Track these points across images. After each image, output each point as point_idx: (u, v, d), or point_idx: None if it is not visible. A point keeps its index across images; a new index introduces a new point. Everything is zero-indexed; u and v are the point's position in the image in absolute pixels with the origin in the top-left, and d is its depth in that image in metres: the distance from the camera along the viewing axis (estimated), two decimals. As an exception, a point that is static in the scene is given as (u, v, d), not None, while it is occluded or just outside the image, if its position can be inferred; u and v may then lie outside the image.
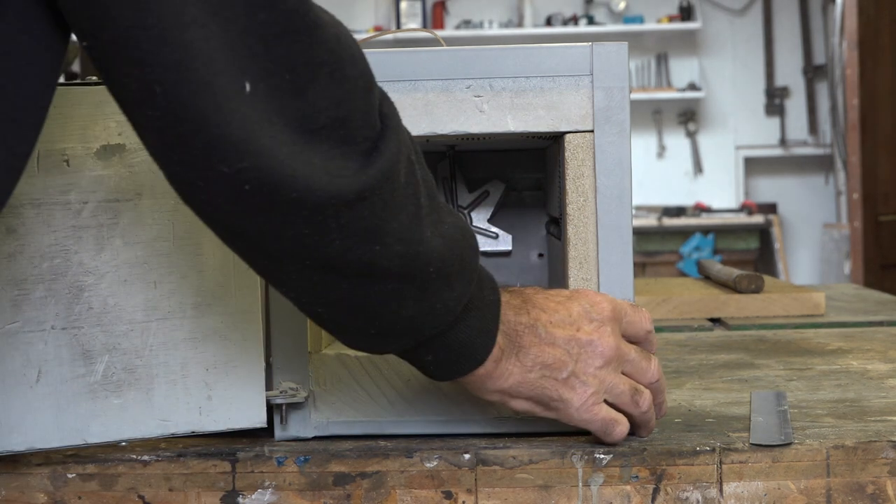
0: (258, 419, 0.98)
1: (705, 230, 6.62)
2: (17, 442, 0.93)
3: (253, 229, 0.77)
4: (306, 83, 0.74)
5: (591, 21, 7.21)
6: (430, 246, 0.81)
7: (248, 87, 0.72)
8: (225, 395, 0.98)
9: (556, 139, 1.07)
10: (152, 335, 0.96)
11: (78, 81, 0.95)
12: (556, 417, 0.93)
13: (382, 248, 0.78)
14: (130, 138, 0.94)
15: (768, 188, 7.36)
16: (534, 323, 0.90)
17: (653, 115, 7.32)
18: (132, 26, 0.69)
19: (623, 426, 0.93)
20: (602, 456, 0.94)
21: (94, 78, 0.91)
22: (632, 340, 0.95)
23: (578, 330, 0.91)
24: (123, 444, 0.97)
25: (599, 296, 0.93)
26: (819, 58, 7.15)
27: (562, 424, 0.99)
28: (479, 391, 0.91)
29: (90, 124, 0.94)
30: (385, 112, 0.80)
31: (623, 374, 0.93)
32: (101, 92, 0.91)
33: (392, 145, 0.78)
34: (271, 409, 0.99)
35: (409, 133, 0.84)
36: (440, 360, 0.88)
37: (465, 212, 1.35)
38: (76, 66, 5.21)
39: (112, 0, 0.69)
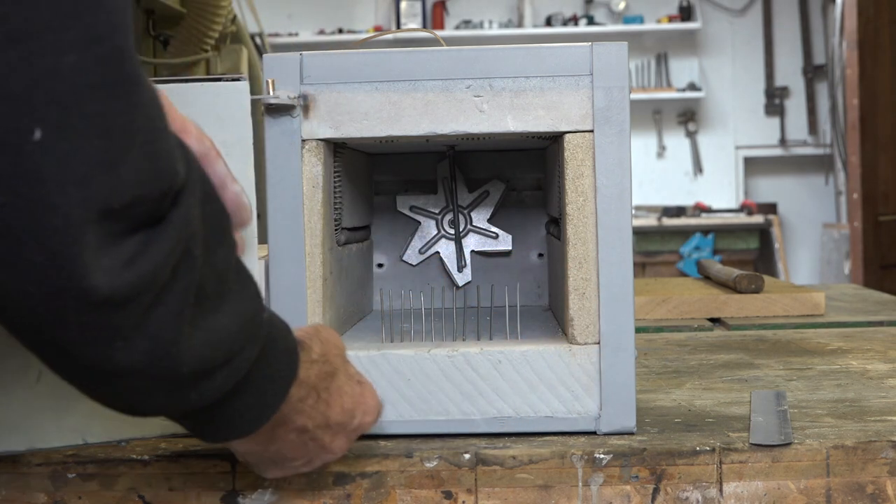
0: (258, 419, 0.98)
1: (705, 230, 6.61)
2: (18, 442, 0.93)
3: None
4: (120, 154, 0.65)
5: (591, 21, 7.21)
6: (186, 346, 0.71)
7: (38, 134, 0.62)
8: (225, 395, 0.97)
9: (556, 139, 1.07)
10: None
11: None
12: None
13: (125, 347, 0.68)
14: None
15: (768, 188, 7.35)
16: (306, 426, 0.86)
17: (653, 115, 7.32)
18: None
19: None
20: (602, 456, 0.94)
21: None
22: None
23: (333, 440, 0.88)
24: (123, 444, 0.97)
25: (371, 418, 0.90)
26: (819, 58, 7.15)
27: (562, 424, 0.99)
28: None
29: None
30: (182, 186, 0.70)
31: None
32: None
33: (169, 238, 0.68)
34: (271, 409, 0.99)
35: (206, 203, 0.73)
36: (195, 428, 0.81)
37: (465, 212, 1.35)
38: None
39: None
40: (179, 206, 0.69)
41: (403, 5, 7.14)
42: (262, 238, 1.00)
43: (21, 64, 0.61)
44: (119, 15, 0.65)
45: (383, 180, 1.38)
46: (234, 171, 0.88)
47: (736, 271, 1.96)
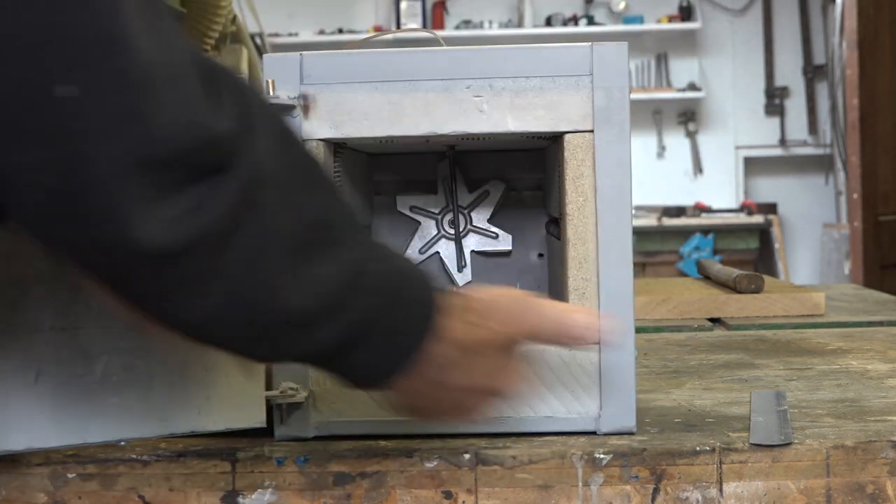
0: (257, 419, 0.98)
1: (705, 230, 6.61)
2: (17, 441, 0.93)
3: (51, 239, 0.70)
4: (145, 99, 0.66)
5: (591, 21, 7.20)
6: (279, 294, 0.72)
7: (63, 91, 0.64)
8: (224, 396, 0.97)
9: (556, 139, 1.07)
10: (151, 335, 0.96)
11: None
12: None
13: (203, 298, 0.70)
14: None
15: (768, 188, 7.35)
16: (450, 385, 0.83)
17: (653, 115, 7.31)
18: None
19: None
20: (602, 456, 0.94)
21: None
22: None
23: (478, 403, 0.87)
24: (123, 444, 0.97)
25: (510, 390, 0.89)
26: (819, 58, 7.15)
27: (562, 424, 0.99)
28: None
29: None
30: (236, 135, 0.70)
31: None
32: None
33: (228, 187, 0.69)
34: (271, 408, 0.99)
35: (285, 153, 0.74)
36: (332, 375, 0.82)
37: (465, 212, 1.35)
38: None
39: None
40: (241, 155, 0.69)
41: (403, 5, 7.14)
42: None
43: (37, 20, 0.63)
44: None
45: (383, 180, 1.38)
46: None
47: (736, 271, 1.96)
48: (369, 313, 0.77)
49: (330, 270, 0.74)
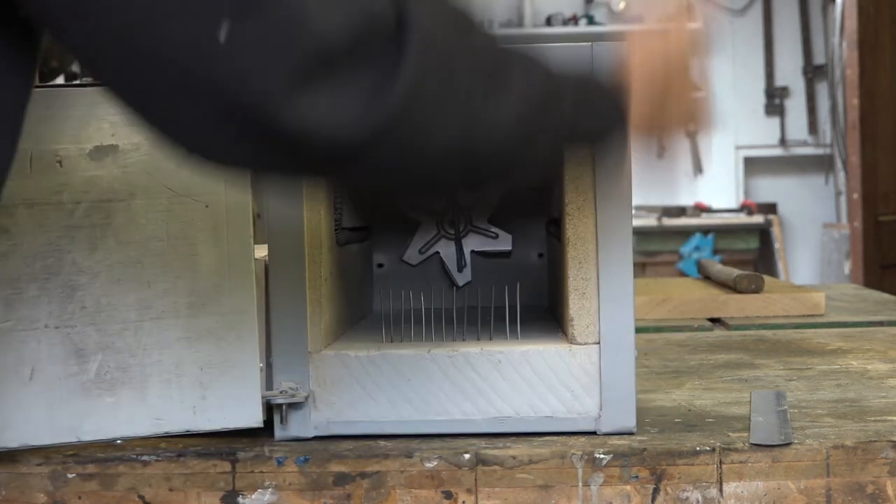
0: (254, 419, 0.98)
1: (705, 230, 6.61)
2: (10, 438, 0.93)
3: (269, 171, 0.73)
4: (306, 6, 0.66)
5: (591, 21, 7.20)
6: (492, 129, 0.76)
7: (225, 28, 0.65)
8: (220, 395, 0.97)
9: (556, 138, 1.06)
10: (146, 334, 0.96)
11: (71, 83, 0.95)
12: None
13: (431, 153, 0.74)
14: (123, 139, 0.94)
15: (768, 188, 7.35)
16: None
17: (653, 116, 7.31)
18: None
19: None
20: (602, 456, 0.94)
21: (89, 80, 0.91)
22: None
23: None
24: (118, 441, 0.97)
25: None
26: (819, 58, 7.14)
27: (562, 424, 0.99)
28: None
29: (83, 125, 0.94)
30: (404, 8, 0.71)
31: None
32: (95, 93, 0.91)
33: (414, 56, 0.70)
34: (271, 408, 0.99)
35: (445, 9, 0.76)
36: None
37: (466, 212, 1.34)
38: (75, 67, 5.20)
39: None
40: (410, 17, 0.70)
41: (403, 5, 7.13)
42: (262, 238, 1.00)
43: None
44: None
45: (383, 180, 1.38)
46: (233, 171, 0.88)
47: (736, 271, 1.96)
48: (575, 97, 0.83)
49: (522, 81, 0.78)
